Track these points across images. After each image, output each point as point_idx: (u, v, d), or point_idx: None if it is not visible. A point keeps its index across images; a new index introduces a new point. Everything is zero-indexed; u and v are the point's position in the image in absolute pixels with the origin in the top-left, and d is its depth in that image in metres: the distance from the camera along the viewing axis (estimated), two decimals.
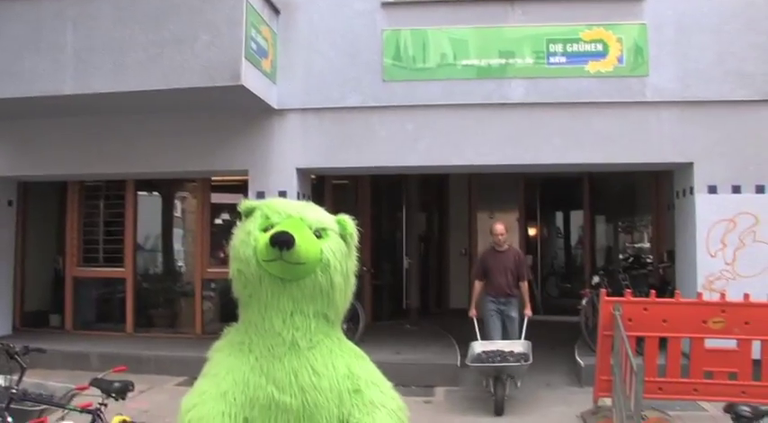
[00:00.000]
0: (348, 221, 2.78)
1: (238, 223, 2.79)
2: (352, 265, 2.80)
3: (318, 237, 2.65)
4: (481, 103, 8.30)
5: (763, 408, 3.95)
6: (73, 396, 5.01)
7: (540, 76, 8.26)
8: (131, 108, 8.53)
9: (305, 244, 2.54)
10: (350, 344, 2.88)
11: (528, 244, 13.54)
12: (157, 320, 10.47)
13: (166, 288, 10.72)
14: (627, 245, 15.75)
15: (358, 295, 10.77)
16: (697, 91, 8.07)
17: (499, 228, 8.08)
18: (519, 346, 7.41)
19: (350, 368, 2.73)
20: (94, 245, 10.56)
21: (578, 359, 8.29)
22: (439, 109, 8.35)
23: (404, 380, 7.81)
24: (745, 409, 3.91)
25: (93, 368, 7.51)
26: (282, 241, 2.48)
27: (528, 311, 7.87)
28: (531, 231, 14.80)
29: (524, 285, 7.99)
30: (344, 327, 9.93)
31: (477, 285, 8.11)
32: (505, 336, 7.82)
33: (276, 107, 8.52)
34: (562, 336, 9.65)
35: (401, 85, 8.43)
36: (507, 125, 8.27)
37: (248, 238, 2.64)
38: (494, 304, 7.94)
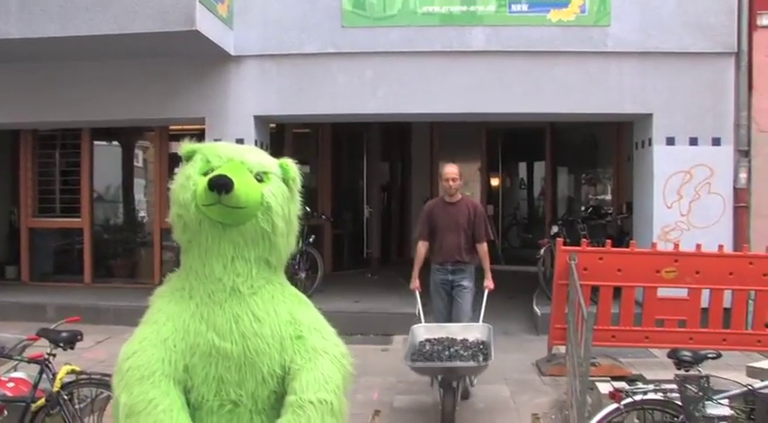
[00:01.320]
0: (291, 165, 2.71)
1: (179, 167, 2.71)
2: (295, 209, 2.74)
3: (260, 180, 2.58)
4: (442, 51, 8.22)
5: (703, 352, 4.06)
6: (25, 347, 4.94)
7: (502, 24, 8.18)
8: (83, 54, 8.28)
9: (244, 187, 2.47)
10: (293, 289, 2.84)
11: (490, 194, 13.59)
12: (116, 271, 10.42)
13: (125, 238, 10.64)
14: (589, 196, 15.91)
15: (318, 244, 10.64)
16: (658, 42, 8.07)
17: (450, 170, 6.05)
18: (476, 331, 5.65)
19: (292, 314, 2.68)
20: (50, 195, 10.39)
21: (535, 308, 8.42)
22: (399, 56, 8.25)
23: (362, 328, 7.94)
24: (687, 354, 4.04)
25: (50, 319, 7.36)
26: (221, 185, 2.41)
27: (489, 283, 6.11)
28: (494, 182, 14.86)
29: (483, 248, 6.13)
30: (303, 275, 9.77)
31: (422, 247, 6.20)
32: (455, 312, 6.10)
33: (233, 53, 8.33)
34: (521, 285, 9.77)
35: (361, 32, 8.28)
36: (468, 73, 8.21)
37: (188, 183, 2.56)
38: (440, 273, 6.14)
